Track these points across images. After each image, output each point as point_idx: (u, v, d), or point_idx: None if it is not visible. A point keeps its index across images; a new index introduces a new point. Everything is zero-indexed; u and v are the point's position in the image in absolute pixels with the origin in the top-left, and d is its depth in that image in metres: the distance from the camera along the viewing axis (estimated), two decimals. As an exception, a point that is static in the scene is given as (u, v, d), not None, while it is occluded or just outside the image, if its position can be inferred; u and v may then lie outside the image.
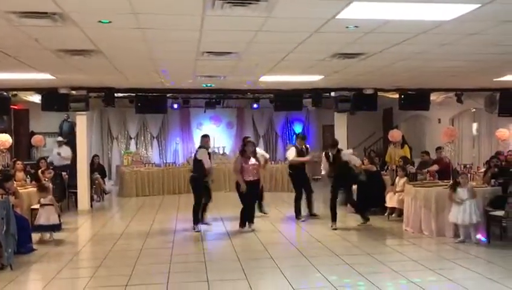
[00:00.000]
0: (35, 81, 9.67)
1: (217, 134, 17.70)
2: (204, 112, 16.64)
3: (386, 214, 9.89)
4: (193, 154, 9.52)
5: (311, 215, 10.15)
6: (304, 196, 10.15)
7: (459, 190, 7.56)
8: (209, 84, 11.18)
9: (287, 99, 12.14)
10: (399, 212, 9.51)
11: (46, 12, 4.80)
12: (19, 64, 7.68)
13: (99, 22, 5.19)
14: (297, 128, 18.39)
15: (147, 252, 7.42)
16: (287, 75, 9.53)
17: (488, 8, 4.75)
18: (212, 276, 6.05)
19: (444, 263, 6.59)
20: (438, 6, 4.76)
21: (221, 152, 16.85)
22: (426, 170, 10.12)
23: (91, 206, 12.02)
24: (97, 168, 13.38)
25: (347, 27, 5.54)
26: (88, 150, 12.15)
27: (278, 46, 6.70)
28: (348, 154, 9.31)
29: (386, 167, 11.98)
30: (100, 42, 6.27)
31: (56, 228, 8.11)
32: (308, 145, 10.63)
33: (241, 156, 9.00)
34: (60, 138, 13.78)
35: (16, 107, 14.08)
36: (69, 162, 12.80)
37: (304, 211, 10.15)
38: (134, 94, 11.75)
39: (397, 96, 11.97)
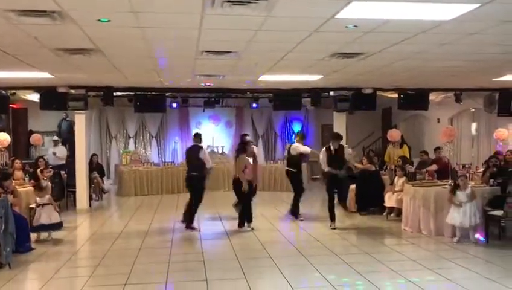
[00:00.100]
0: (34, 80, 9.66)
1: (216, 133, 17.73)
2: (203, 111, 16.64)
3: (384, 214, 9.90)
4: (192, 153, 9.34)
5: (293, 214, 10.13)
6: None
7: (458, 193, 7.56)
8: (207, 84, 11.18)
9: (286, 99, 12.14)
10: (398, 211, 9.52)
11: (45, 11, 4.79)
12: (18, 62, 7.67)
13: (99, 20, 5.17)
14: (296, 127, 18.39)
15: (146, 251, 7.42)
16: (286, 74, 9.53)
17: (488, 8, 4.75)
18: (211, 275, 6.05)
19: (442, 262, 6.60)
20: (437, 6, 4.76)
21: (220, 151, 16.84)
22: (425, 170, 10.14)
23: (90, 205, 12.01)
24: (96, 167, 13.36)
25: (346, 27, 5.54)
26: (87, 149, 12.13)
27: (277, 46, 6.70)
28: (347, 154, 9.31)
29: (384, 167, 12.00)
30: (99, 41, 6.26)
31: (58, 226, 8.13)
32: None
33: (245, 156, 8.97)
34: (55, 137, 13.77)
35: (14, 106, 14.05)
36: (64, 161, 12.79)
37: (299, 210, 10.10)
38: (133, 93, 11.74)
39: (396, 96, 11.98)
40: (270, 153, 18.63)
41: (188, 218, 9.02)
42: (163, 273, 6.16)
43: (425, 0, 4.58)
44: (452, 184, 7.96)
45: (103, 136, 17.77)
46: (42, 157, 11.32)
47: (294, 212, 9.96)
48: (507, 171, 8.75)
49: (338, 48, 6.85)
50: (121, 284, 5.69)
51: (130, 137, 17.80)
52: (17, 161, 10.61)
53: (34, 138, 13.39)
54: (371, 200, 10.37)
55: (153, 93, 11.63)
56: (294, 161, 10.07)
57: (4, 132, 12.45)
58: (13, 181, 8.25)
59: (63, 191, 11.48)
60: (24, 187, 9.00)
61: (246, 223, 8.91)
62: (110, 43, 6.47)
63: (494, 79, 10.17)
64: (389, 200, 9.80)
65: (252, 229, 8.79)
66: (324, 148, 9.16)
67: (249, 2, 4.56)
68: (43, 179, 8.55)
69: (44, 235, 8.11)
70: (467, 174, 9.00)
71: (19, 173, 10.01)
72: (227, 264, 6.60)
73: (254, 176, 9.14)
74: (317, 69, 8.84)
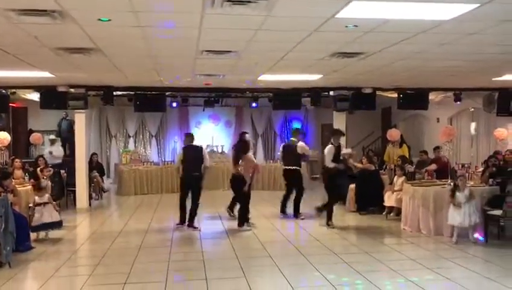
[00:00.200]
0: (34, 79, 9.66)
1: (216, 133, 17.75)
2: (203, 110, 16.65)
3: (384, 213, 9.91)
4: (194, 153, 9.29)
5: (284, 213, 10.19)
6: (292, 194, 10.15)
7: (458, 194, 7.57)
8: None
9: (286, 98, 12.13)
10: (397, 211, 9.54)
11: (45, 10, 4.79)
12: (18, 62, 7.67)
13: (99, 19, 5.18)
14: (296, 127, 18.40)
15: (146, 250, 7.43)
16: (286, 74, 9.53)
17: (487, 8, 4.75)
18: (210, 274, 6.06)
19: (441, 262, 6.61)
20: (437, 6, 4.77)
21: (219, 151, 16.85)
22: (424, 169, 10.16)
23: (89, 204, 12.02)
24: (96, 166, 13.37)
25: (346, 26, 5.54)
26: (87, 148, 12.14)
27: (277, 45, 6.71)
28: (344, 152, 9.37)
29: (384, 166, 12.01)
30: (99, 40, 6.27)
31: (58, 225, 8.13)
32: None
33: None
34: (52, 136, 13.76)
35: (14, 105, 14.04)
36: (60, 160, 12.79)
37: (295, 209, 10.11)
38: (133, 92, 11.74)
39: (396, 95, 11.98)
40: (269, 152, 18.64)
41: (190, 218, 9.02)
42: (163, 272, 6.17)
43: (425, 0, 4.59)
44: (452, 185, 7.96)
45: (103, 136, 17.78)
46: (42, 156, 11.34)
47: (295, 211, 9.97)
48: (506, 170, 8.77)
49: (338, 47, 6.85)
50: (120, 283, 5.70)
51: (129, 136, 17.82)
52: (17, 160, 10.62)
53: (34, 137, 13.39)
54: (370, 200, 10.39)
55: (153, 92, 11.63)
56: (297, 159, 10.08)
57: (4, 131, 12.45)
58: (13, 180, 8.26)
59: (62, 190, 11.49)
60: (24, 186, 9.00)
61: (245, 223, 8.93)
62: (110, 43, 6.47)
63: (493, 79, 10.18)
64: (389, 199, 9.81)
65: (253, 224, 8.80)
66: (331, 145, 9.09)
67: (249, 2, 4.56)
68: (43, 178, 8.56)
69: (42, 234, 8.10)
70: (466, 174, 9.02)
71: (18, 172, 10.02)
72: (227, 264, 6.61)
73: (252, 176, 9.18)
74: (317, 69, 8.85)
